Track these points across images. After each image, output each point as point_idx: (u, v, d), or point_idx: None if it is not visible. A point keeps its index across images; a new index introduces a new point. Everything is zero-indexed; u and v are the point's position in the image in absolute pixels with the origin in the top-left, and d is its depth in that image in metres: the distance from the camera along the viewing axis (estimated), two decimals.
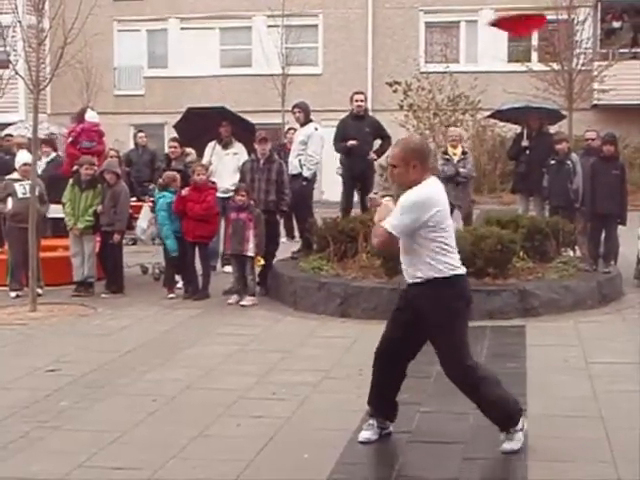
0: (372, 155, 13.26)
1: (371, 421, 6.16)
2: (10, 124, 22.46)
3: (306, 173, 12.73)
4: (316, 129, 12.84)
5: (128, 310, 11.03)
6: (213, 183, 12.00)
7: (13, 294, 11.93)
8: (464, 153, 14.10)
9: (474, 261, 10.35)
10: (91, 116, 15.41)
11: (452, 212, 13.41)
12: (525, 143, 14.21)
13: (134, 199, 13.12)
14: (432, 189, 5.74)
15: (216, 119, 13.17)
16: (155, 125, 26.82)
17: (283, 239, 14.27)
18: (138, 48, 31.24)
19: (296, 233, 15.00)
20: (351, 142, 12.85)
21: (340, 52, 29.82)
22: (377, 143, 13.46)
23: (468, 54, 29.78)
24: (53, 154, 14.45)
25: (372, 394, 6.17)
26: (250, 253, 11.24)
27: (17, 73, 12.41)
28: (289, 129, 17.86)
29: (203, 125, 13.14)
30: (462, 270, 5.84)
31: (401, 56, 29.29)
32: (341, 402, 6.98)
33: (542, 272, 11.01)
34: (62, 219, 12.48)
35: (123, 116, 15.00)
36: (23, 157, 12.37)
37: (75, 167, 12.95)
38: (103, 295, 11.92)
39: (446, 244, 5.71)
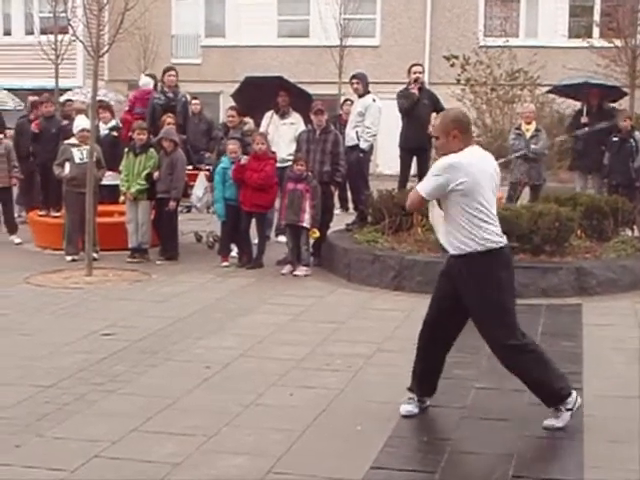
0: (431, 129, 13.13)
1: (411, 395, 6.15)
2: (68, 89, 22.60)
3: (363, 145, 12.66)
4: (374, 100, 12.74)
5: (182, 277, 11.07)
6: (273, 153, 11.98)
7: (69, 258, 12.04)
8: (537, 130, 13.91)
9: (531, 238, 10.29)
10: (145, 83, 15.47)
11: (521, 188, 13.41)
12: (584, 120, 14.02)
13: (190, 167, 13.14)
14: (466, 156, 5.72)
15: (274, 89, 13.12)
16: (211, 94, 26.86)
17: (337, 211, 14.21)
18: (196, 16, 31.23)
19: (350, 205, 14.95)
20: (414, 92, 12.71)
21: (398, 24, 29.56)
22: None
23: (528, 28, 29.33)
24: (113, 121, 14.51)
25: (421, 373, 6.15)
26: (306, 224, 11.22)
27: (77, 38, 12.45)
28: (345, 100, 17.78)
29: (261, 94, 13.09)
30: (502, 241, 5.85)
31: (459, 29, 28.95)
32: (394, 375, 6.94)
33: (600, 251, 10.86)
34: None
35: (180, 84, 15.02)
36: (81, 122, 12.44)
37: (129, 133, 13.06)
38: (158, 262, 11.99)
39: (481, 215, 5.69)
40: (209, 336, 8.16)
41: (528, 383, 5.88)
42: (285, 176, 11.69)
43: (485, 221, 5.72)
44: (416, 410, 6.08)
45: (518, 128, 14.09)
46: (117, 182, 12.71)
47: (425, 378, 6.16)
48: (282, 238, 12.51)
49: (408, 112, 12.83)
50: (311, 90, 13.94)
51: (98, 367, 7.17)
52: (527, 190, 13.82)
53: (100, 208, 12.45)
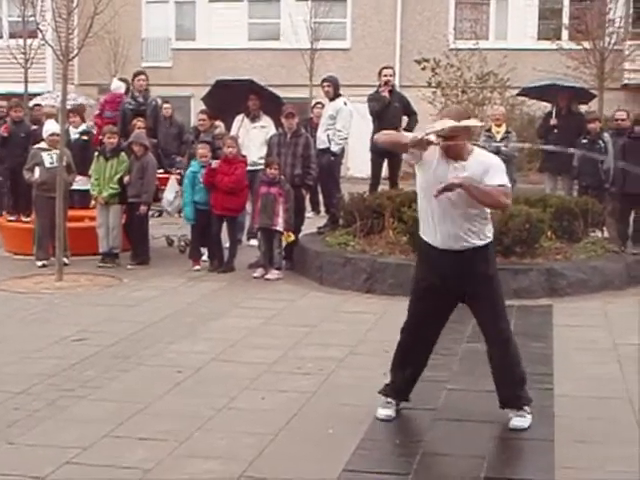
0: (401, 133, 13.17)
1: (389, 399, 6.16)
2: (38, 94, 22.47)
3: (334, 148, 12.68)
4: (345, 104, 12.76)
5: (154, 282, 11.03)
6: (243, 156, 11.97)
7: (40, 263, 11.96)
8: (507, 132, 13.97)
9: (502, 239, 10.29)
10: (116, 87, 15.42)
11: None
12: (554, 122, 14.11)
13: (161, 171, 13.10)
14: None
15: (244, 92, 13.11)
16: (182, 97, 26.79)
17: (309, 214, 14.22)
18: (166, 20, 31.10)
19: (322, 208, 14.96)
20: (385, 95, 12.73)
21: (369, 27, 29.59)
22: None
23: (498, 31, 29.43)
24: (83, 125, 14.45)
25: (401, 378, 6.17)
26: (279, 228, 11.21)
27: (47, 42, 12.37)
28: (316, 103, 17.78)
29: (231, 98, 13.07)
30: None
31: (430, 32, 29.02)
32: (366, 378, 6.95)
33: (570, 252, 10.92)
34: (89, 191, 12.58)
35: (150, 88, 14.98)
36: (51, 127, 12.37)
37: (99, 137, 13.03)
38: (129, 266, 11.94)
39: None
40: (181, 340, 8.13)
41: (516, 377, 5.94)
42: (257, 179, 11.68)
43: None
44: (394, 414, 6.09)
45: (488, 130, 14.13)
46: (88, 187, 12.65)
47: (409, 384, 6.18)
48: (254, 242, 12.50)
49: (379, 115, 12.83)
50: (282, 93, 13.96)
51: (69, 373, 7.13)
52: None
53: (70, 213, 12.37)
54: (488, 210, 5.87)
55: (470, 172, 5.67)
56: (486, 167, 5.72)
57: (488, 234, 5.90)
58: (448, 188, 5.59)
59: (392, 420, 6.00)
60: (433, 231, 5.88)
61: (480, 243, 5.84)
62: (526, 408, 5.88)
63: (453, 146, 5.67)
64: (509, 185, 5.80)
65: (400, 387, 6.17)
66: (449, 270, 5.86)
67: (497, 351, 6.00)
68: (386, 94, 12.84)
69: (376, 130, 13.09)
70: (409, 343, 6.12)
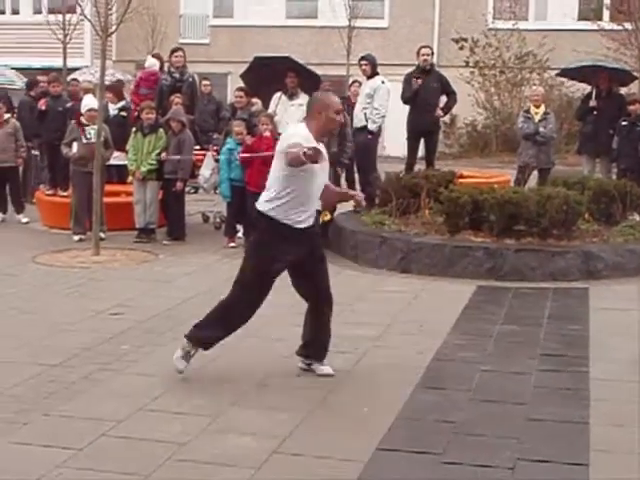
0: (439, 112, 13.15)
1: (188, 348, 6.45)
2: (76, 69, 22.56)
3: (371, 126, 12.64)
4: (383, 82, 12.72)
5: (189, 258, 11.08)
6: (279, 134, 11.92)
7: (76, 237, 12.06)
8: (546, 113, 13.86)
9: (539, 221, 10.27)
10: (150, 64, 15.46)
11: (529, 172, 13.37)
12: (593, 103, 13.97)
13: (198, 148, 13.12)
14: None
15: (282, 69, 13.08)
16: (219, 74, 26.79)
17: None
18: None
19: (357, 187, 14.92)
20: (416, 83, 12.72)
21: (407, 6, 29.38)
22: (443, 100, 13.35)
23: (537, 11, 29.14)
24: (122, 102, 14.52)
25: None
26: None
27: (86, 17, 12.42)
28: (353, 82, 17.71)
29: (269, 75, 13.04)
30: None
31: (469, 12, 28.75)
32: (401, 357, 6.95)
33: (607, 235, 10.83)
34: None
35: (188, 65, 14.99)
36: (89, 102, 12.42)
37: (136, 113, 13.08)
38: (165, 242, 12.00)
39: None
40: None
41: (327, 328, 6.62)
42: None
43: None
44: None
45: (527, 111, 14.05)
46: (125, 162, 12.72)
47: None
48: None
49: (407, 102, 12.90)
50: (319, 71, 13.90)
51: (105, 346, 7.19)
52: (535, 174, 13.77)
53: (107, 188, 12.45)
54: None
55: None
56: None
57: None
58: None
59: (423, 399, 5.99)
60: (305, 213, 6.32)
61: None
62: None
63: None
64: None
65: (211, 342, 6.51)
66: (307, 245, 6.36)
67: (328, 310, 6.67)
68: (416, 82, 12.80)
69: (412, 110, 13.10)
70: (246, 311, 6.50)
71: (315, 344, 6.61)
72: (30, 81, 16.24)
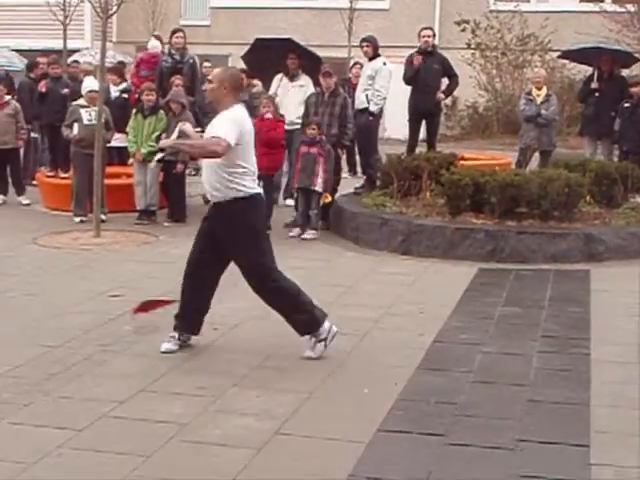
0: (440, 95, 13.13)
1: (173, 334, 6.61)
2: (76, 51, 22.48)
3: (372, 108, 12.61)
4: (384, 64, 12.68)
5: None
6: (281, 116, 11.91)
7: (77, 219, 12.04)
8: (548, 95, 13.83)
9: (540, 203, 10.27)
10: (153, 46, 15.42)
11: (530, 154, 13.34)
12: (595, 85, 13.92)
13: (199, 129, 13.06)
14: (240, 113, 6.45)
15: (284, 51, 13.04)
16: (219, 56, 26.63)
17: (345, 174, 14.18)
18: None
19: (358, 169, 14.91)
20: (416, 61, 12.71)
21: None
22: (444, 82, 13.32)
23: None
24: (123, 83, 14.48)
25: (183, 310, 6.66)
26: (318, 188, 11.18)
27: None
28: (354, 64, 17.66)
29: (270, 57, 13.00)
30: (259, 190, 6.62)
31: None
32: (402, 339, 6.96)
33: (609, 217, 10.81)
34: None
35: (188, 46, 14.96)
36: (90, 83, 12.39)
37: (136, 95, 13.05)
38: (165, 224, 12.00)
39: (245, 167, 6.38)
40: (217, 298, 8.14)
41: (287, 311, 6.57)
42: (295, 139, 11.63)
43: (247, 174, 6.43)
44: (175, 348, 6.57)
45: (529, 93, 14.01)
46: (125, 144, 12.69)
47: (192, 315, 6.67)
48: (290, 201, 12.48)
49: (409, 82, 12.86)
50: (320, 53, 13.87)
51: (106, 328, 7.19)
52: (536, 156, 13.75)
53: (108, 170, 12.43)
54: (241, 163, 6.33)
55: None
56: (216, 121, 6.40)
57: (241, 187, 6.38)
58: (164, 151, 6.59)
59: (423, 380, 5.99)
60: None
61: (233, 195, 6.36)
62: (313, 338, 6.51)
63: (208, 92, 6.60)
64: (223, 137, 6.17)
65: (185, 317, 6.65)
66: (213, 220, 6.55)
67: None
68: (417, 62, 12.77)
69: (414, 92, 13.07)
70: (190, 274, 6.71)
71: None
72: (30, 63, 16.18)
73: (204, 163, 6.59)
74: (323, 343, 6.48)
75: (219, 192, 6.40)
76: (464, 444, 4.96)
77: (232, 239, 6.51)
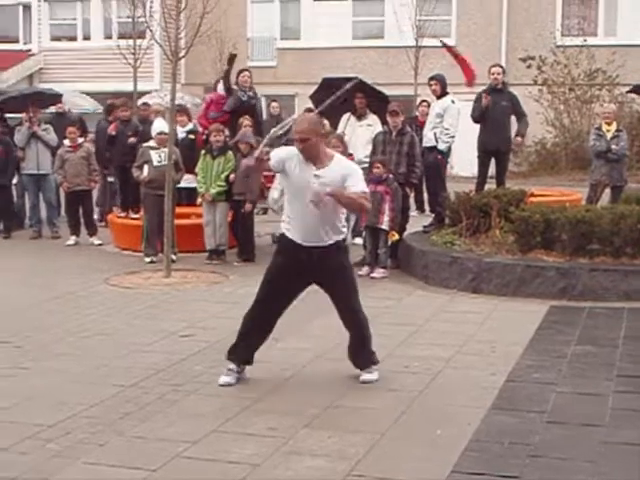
0: (517, 139, 13.16)
1: (231, 366, 6.80)
2: (146, 92, 22.88)
3: (441, 146, 12.60)
4: (453, 102, 12.67)
5: (259, 279, 11.01)
6: (350, 155, 11.95)
7: (148, 259, 12.19)
8: (618, 130, 13.70)
9: (612, 240, 10.12)
10: (222, 88, 15.59)
11: (601, 190, 13.20)
12: None
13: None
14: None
15: (351, 90, 13.07)
16: (286, 96, 26.96)
17: (413, 212, 14.16)
18: (271, 19, 31.40)
19: (426, 207, 14.88)
20: (485, 99, 12.68)
21: (474, 24, 29.29)
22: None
23: (607, 27, 28.80)
24: (190, 124, 14.68)
25: (242, 344, 6.89)
26: (384, 226, 11.20)
27: (157, 42, 12.59)
28: (422, 102, 17.68)
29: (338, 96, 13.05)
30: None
31: (536, 29, 28.55)
32: (474, 378, 6.89)
33: None
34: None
35: (255, 86, 15.14)
36: (160, 125, 12.58)
37: (204, 136, 13.22)
38: (235, 263, 12.08)
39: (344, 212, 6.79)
40: (285, 338, 8.14)
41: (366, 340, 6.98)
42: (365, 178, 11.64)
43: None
44: (234, 381, 6.74)
45: (599, 128, 13.87)
46: (194, 185, 12.84)
47: (251, 349, 6.92)
48: (358, 240, 12.48)
49: (477, 120, 12.83)
50: (387, 91, 13.92)
51: (177, 367, 7.24)
52: (607, 192, 13.59)
53: (177, 210, 12.58)
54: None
55: (330, 177, 6.43)
56: (346, 173, 6.50)
57: (343, 229, 6.75)
58: (320, 197, 6.36)
59: (496, 421, 5.91)
60: (299, 229, 6.61)
61: (338, 238, 6.68)
62: (374, 366, 6.89)
63: (306, 149, 6.41)
64: (367, 190, 6.70)
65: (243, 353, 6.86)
66: (308, 262, 6.63)
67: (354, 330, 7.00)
68: (485, 100, 12.73)
69: (483, 129, 13.02)
70: (246, 318, 6.97)
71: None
72: (108, 106, 16.46)
73: (311, 212, 6.52)
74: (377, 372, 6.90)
75: (328, 237, 6.64)
76: None
77: (341, 278, 6.82)
